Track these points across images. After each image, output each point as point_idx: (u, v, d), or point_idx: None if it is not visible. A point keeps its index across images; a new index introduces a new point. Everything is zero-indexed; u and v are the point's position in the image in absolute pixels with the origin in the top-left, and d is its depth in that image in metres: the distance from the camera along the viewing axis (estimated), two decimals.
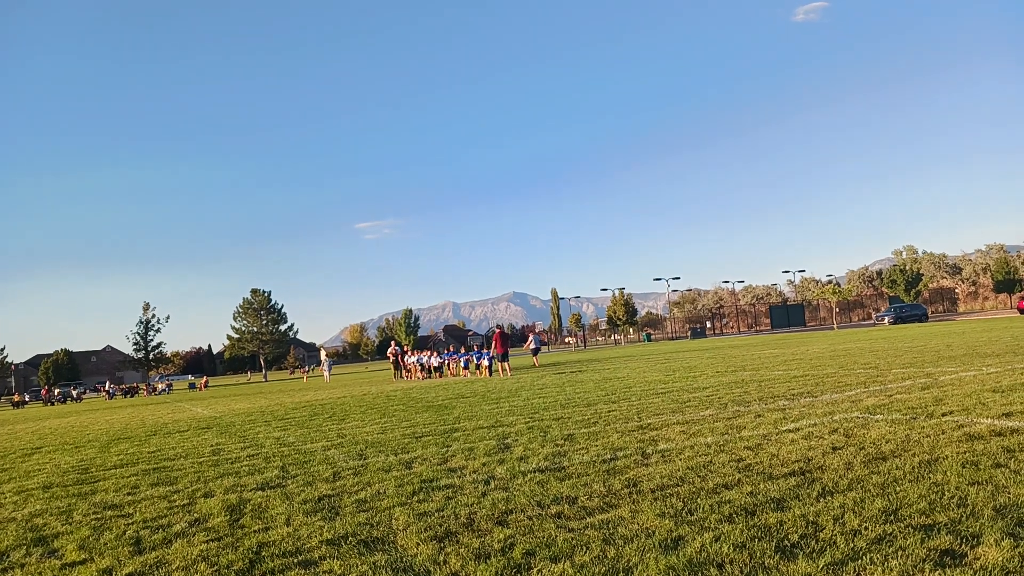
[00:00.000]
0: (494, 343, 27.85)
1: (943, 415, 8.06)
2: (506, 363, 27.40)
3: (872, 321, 71.08)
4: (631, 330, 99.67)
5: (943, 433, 6.98)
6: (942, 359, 15.99)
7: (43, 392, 63.43)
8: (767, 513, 4.79)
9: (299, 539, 5.23)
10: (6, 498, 8.30)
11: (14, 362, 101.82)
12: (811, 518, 4.60)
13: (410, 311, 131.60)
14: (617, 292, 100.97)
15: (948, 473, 5.41)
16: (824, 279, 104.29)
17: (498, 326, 36.34)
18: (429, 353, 31.41)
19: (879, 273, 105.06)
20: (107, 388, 63.90)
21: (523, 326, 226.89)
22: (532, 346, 35.42)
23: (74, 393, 64.21)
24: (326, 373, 49.14)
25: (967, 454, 5.98)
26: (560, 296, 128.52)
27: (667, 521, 4.80)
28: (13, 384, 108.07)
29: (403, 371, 33.87)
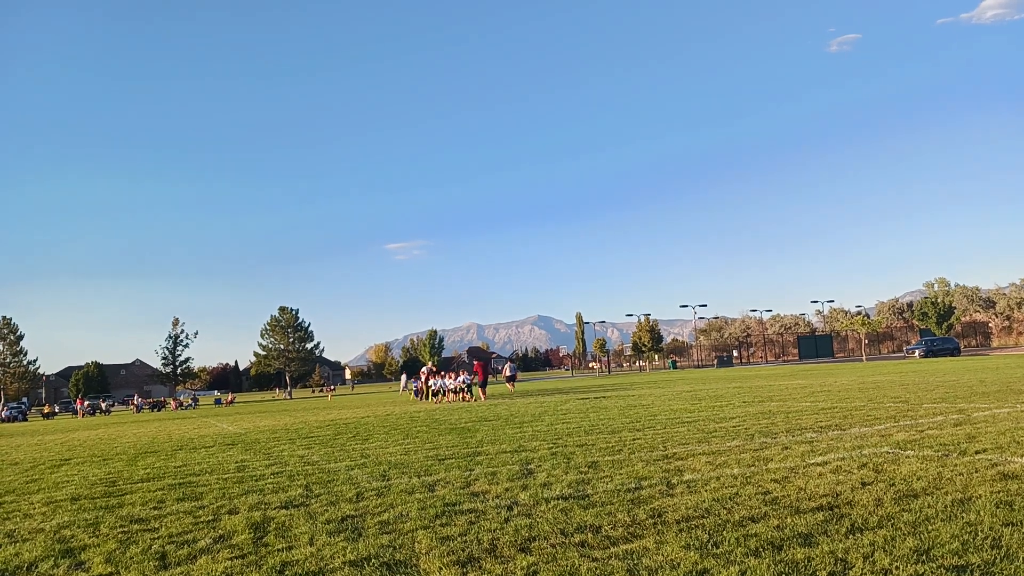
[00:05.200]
0: (476, 371, 30.62)
1: (976, 453, 7.90)
2: (483, 389, 29.91)
3: (902, 354, 69.95)
4: (656, 357, 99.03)
5: (976, 471, 6.84)
6: (975, 395, 15.68)
7: (78, 402, 64.25)
8: (794, 548, 4.72)
9: (322, 559, 5.24)
10: (35, 509, 8.42)
11: (45, 373, 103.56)
12: (840, 555, 4.52)
13: (435, 332, 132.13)
14: (643, 318, 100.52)
15: (982, 513, 5.29)
16: (853, 310, 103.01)
17: (479, 357, 38.21)
18: (453, 375, 31.73)
19: (910, 305, 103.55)
20: (135, 401, 64.72)
21: (547, 350, 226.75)
22: (507, 374, 37.16)
23: (103, 406, 65.08)
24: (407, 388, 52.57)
25: (1001, 494, 5.85)
26: (585, 320, 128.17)
27: (692, 553, 4.75)
28: (44, 395, 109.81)
29: (428, 393, 34.07)
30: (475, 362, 31.89)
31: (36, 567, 5.64)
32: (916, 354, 59.50)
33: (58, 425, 39.20)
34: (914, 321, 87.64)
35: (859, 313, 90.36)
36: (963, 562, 4.27)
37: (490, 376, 32.36)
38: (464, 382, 30.56)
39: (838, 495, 6.18)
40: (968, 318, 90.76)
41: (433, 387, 31.02)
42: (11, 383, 79.09)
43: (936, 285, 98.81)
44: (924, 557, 4.39)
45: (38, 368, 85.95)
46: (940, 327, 77.41)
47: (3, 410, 63.89)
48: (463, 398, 29.86)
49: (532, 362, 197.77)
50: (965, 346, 77.72)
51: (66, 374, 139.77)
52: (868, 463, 7.63)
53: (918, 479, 6.63)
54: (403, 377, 56.95)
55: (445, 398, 30.73)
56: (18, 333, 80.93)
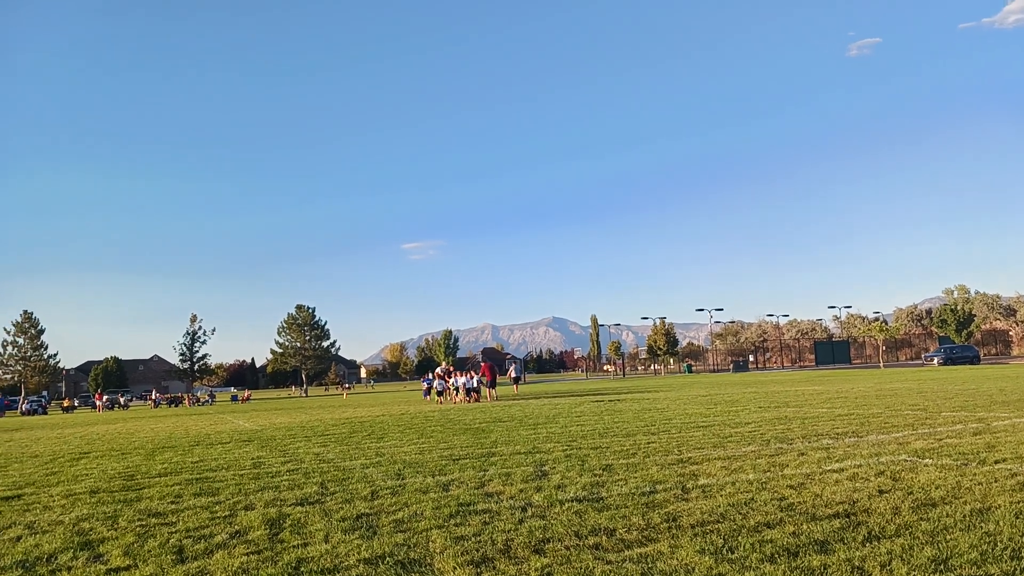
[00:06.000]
0: (483, 372, 31.49)
1: (996, 462, 7.82)
2: (493, 390, 30.91)
3: (921, 361, 69.26)
4: (672, 360, 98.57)
5: (996, 481, 6.77)
6: (995, 403, 15.50)
7: (97, 397, 64.73)
8: (810, 555, 4.69)
9: (337, 557, 5.27)
10: (55, 501, 8.52)
11: (66, 368, 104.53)
12: (856, 563, 4.49)
13: (450, 332, 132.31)
14: (658, 321, 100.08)
15: (1001, 523, 5.24)
16: (871, 316, 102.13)
17: (486, 360, 39.39)
18: (458, 375, 32.10)
19: (928, 312, 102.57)
20: (153, 397, 65.27)
21: (561, 352, 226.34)
22: (513, 375, 38.91)
23: (121, 400, 65.71)
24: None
25: (1021, 504, 5.78)
26: (600, 323, 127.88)
27: (707, 558, 4.73)
28: (64, 389, 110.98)
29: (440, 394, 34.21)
30: (483, 363, 32.50)
31: (55, 558, 5.71)
32: (935, 361, 58.90)
33: (77, 419, 39.61)
34: (933, 328, 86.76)
35: (877, 319, 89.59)
36: (982, 572, 4.23)
37: (497, 377, 32.90)
38: (460, 383, 31.12)
39: (855, 502, 6.14)
40: (988, 326, 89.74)
41: (438, 387, 31.44)
42: (32, 377, 79.81)
43: (956, 292, 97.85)
44: (942, 567, 4.35)
45: (58, 362, 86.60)
46: (959, 335, 76.54)
47: (24, 403, 64.63)
48: (455, 400, 30.40)
49: (546, 364, 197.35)
50: (985, 354, 76.82)
51: (86, 368, 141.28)
52: (886, 471, 7.57)
53: (936, 488, 6.57)
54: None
55: (453, 398, 30.99)
56: (39, 327, 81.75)
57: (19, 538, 6.50)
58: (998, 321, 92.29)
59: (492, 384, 30.92)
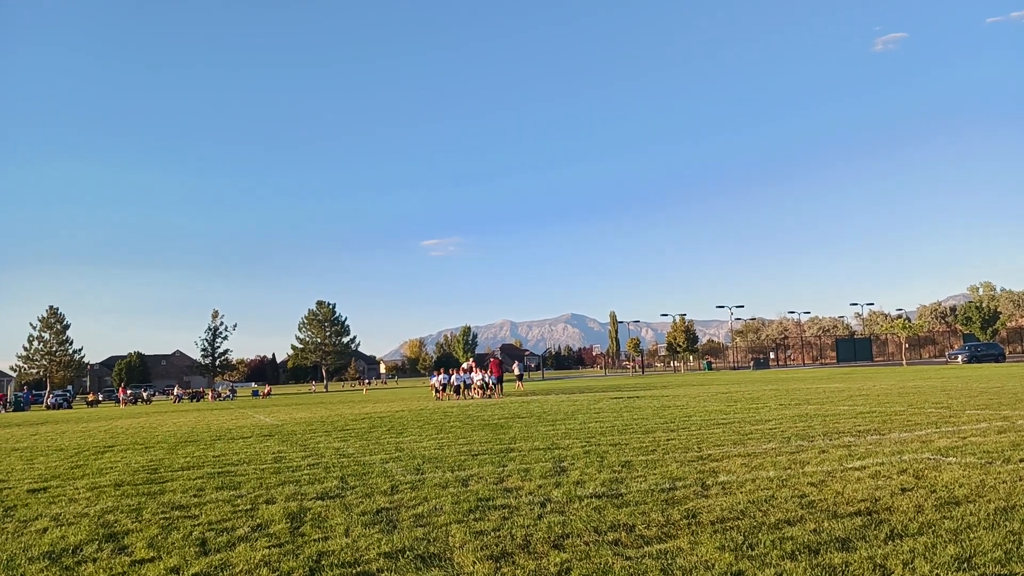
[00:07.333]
0: (491, 368, 31.90)
1: (1021, 461, 7.71)
2: (499, 386, 31.52)
3: (944, 359, 68.43)
4: (691, 358, 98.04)
5: (1020, 479, 6.68)
6: (1020, 402, 15.28)
7: (120, 391, 65.48)
8: (832, 553, 4.66)
9: (358, 550, 5.31)
10: (80, 494, 8.65)
11: (90, 363, 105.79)
12: (879, 561, 4.46)
13: (468, 328, 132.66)
14: (678, 318, 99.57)
15: None
16: (894, 313, 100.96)
17: (493, 356, 40.43)
18: (480, 372, 32.45)
19: (953, 310, 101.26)
20: (175, 392, 65.98)
21: (580, 349, 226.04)
22: (516, 372, 39.92)
23: (144, 395, 66.49)
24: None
25: None
26: (619, 320, 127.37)
27: (727, 555, 4.72)
28: (88, 384, 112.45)
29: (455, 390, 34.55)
30: (491, 360, 33.10)
31: (81, 550, 5.80)
32: (959, 359, 58.14)
33: (102, 413, 40.13)
34: (957, 326, 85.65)
35: (899, 316, 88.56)
36: (1006, 571, 4.18)
37: (503, 374, 33.64)
38: (476, 379, 31.63)
39: (877, 500, 6.08)
40: (1014, 323, 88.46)
41: (437, 383, 32.13)
42: (57, 371, 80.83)
43: (981, 289, 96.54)
44: (966, 565, 4.31)
45: (83, 357, 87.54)
46: (984, 332, 75.52)
47: (49, 398, 65.59)
48: (454, 395, 31.51)
49: (565, 361, 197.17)
50: (1010, 352, 75.76)
51: (110, 363, 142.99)
52: (908, 469, 7.49)
53: (960, 486, 6.49)
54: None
55: (443, 395, 31.51)
56: (64, 323, 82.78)
57: (45, 530, 6.61)
58: None
59: (499, 380, 31.52)
